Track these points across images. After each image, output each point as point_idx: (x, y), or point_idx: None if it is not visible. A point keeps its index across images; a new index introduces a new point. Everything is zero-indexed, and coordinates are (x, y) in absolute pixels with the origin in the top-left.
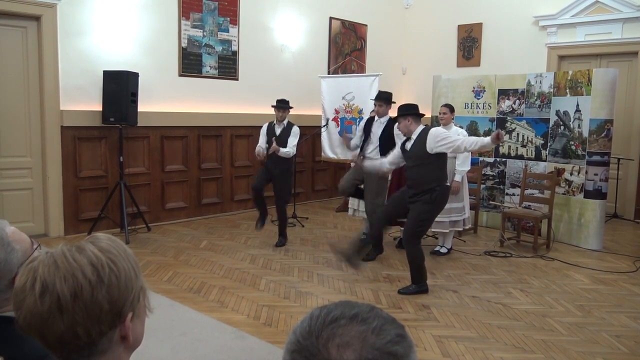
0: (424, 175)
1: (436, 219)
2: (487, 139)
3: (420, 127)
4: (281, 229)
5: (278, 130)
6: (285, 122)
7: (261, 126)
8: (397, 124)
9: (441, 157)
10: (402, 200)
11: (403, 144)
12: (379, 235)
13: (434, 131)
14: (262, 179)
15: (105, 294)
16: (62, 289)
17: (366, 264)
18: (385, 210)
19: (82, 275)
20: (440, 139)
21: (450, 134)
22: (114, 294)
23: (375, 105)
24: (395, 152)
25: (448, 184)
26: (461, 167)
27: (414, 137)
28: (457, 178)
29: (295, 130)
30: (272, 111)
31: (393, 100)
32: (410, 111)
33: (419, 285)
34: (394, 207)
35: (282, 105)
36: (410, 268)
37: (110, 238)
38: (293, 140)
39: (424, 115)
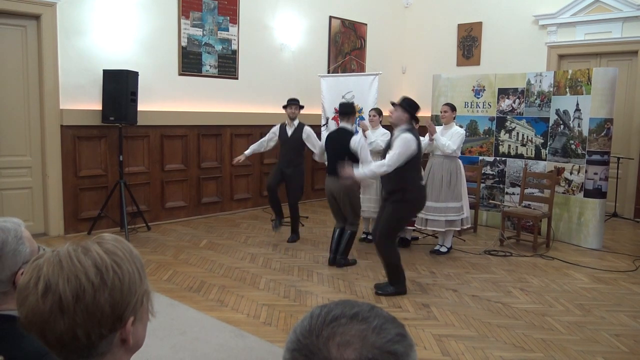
0: (393, 175)
1: (432, 218)
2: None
3: (403, 128)
4: (293, 226)
5: (290, 131)
6: (296, 122)
7: (260, 125)
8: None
9: (412, 159)
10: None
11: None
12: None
13: (398, 136)
14: (276, 178)
15: (107, 297)
16: (64, 290)
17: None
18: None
19: (86, 277)
20: (394, 146)
21: (399, 148)
22: (116, 298)
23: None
24: None
25: (423, 182)
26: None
27: (396, 133)
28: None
29: (308, 131)
30: (272, 110)
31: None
32: (411, 110)
33: (396, 286)
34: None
35: (293, 102)
36: (386, 269)
37: (117, 239)
38: (316, 142)
39: (418, 121)
